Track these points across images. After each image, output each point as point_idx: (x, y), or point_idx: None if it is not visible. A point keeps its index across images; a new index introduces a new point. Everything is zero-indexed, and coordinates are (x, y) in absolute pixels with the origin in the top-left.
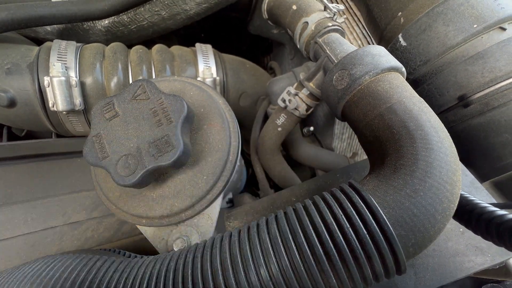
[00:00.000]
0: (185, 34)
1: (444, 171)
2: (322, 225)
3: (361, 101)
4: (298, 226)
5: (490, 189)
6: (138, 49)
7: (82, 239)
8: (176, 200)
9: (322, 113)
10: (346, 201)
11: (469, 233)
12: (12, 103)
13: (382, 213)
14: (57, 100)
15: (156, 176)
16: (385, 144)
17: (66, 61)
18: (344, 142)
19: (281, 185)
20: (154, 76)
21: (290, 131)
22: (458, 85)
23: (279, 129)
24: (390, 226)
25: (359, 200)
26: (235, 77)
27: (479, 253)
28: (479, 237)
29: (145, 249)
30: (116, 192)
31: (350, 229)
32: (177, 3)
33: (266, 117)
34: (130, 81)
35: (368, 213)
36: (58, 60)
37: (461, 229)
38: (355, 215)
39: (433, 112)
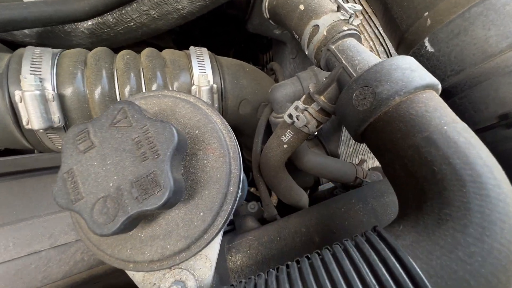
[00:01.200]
0: (179, 31)
1: (507, 227)
2: None
3: (389, 127)
4: None
5: None
6: (125, 54)
7: (71, 263)
8: (169, 242)
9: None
10: (378, 262)
11: None
12: None
13: (429, 285)
14: (32, 117)
15: (142, 219)
16: (423, 184)
17: (40, 71)
18: (351, 147)
19: (286, 202)
20: (143, 85)
21: (298, 146)
22: (500, 101)
23: (285, 146)
24: None
25: (396, 263)
26: (234, 83)
27: None
28: None
29: None
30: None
31: None
32: (168, 1)
33: (268, 126)
34: (117, 92)
35: (410, 285)
36: (31, 71)
37: None
38: (393, 286)
39: (483, 144)
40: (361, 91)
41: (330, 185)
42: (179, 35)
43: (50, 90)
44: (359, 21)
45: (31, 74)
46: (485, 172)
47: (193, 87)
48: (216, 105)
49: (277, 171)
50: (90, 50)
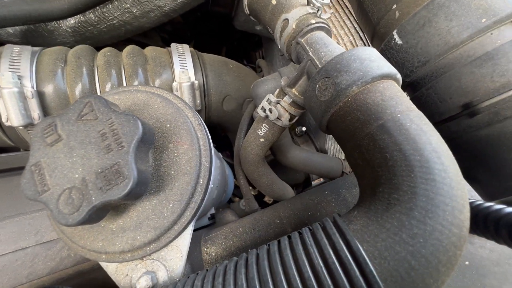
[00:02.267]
0: (171, 31)
1: (449, 210)
2: (298, 280)
3: (348, 116)
4: (270, 279)
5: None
6: (106, 52)
7: (57, 259)
8: (139, 233)
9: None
10: (328, 246)
11: (476, 267)
12: None
13: (371, 266)
14: (11, 114)
15: (109, 210)
16: (377, 171)
17: (19, 69)
18: None
19: (270, 196)
20: (124, 82)
21: (275, 140)
22: (463, 91)
23: (262, 140)
24: (381, 283)
25: (344, 246)
26: (217, 80)
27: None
28: (488, 272)
29: None
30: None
31: (331, 286)
32: (147, 3)
33: (252, 121)
34: (98, 88)
35: (355, 266)
36: (10, 68)
37: (466, 262)
38: (339, 268)
39: (435, 130)
40: (323, 82)
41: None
42: (170, 35)
43: (29, 87)
44: (328, 14)
45: (9, 71)
46: (432, 158)
47: (174, 84)
48: (199, 101)
49: (256, 166)
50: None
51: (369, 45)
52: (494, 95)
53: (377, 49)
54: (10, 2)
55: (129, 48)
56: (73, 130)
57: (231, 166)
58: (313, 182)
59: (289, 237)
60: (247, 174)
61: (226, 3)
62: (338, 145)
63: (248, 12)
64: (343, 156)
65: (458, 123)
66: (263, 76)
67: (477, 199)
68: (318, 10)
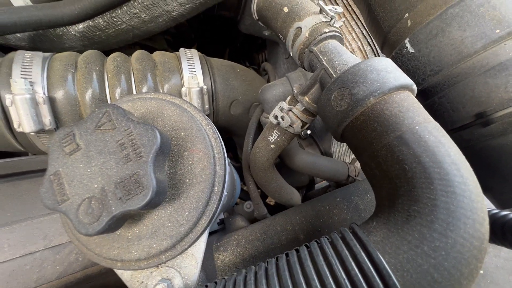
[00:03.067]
0: (175, 34)
1: (470, 222)
2: None
3: (365, 127)
4: None
5: None
6: (115, 57)
7: (65, 263)
8: (155, 241)
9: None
10: (350, 258)
11: (491, 276)
12: None
13: (394, 279)
14: (23, 120)
15: (127, 219)
16: (395, 182)
17: (31, 75)
18: (344, 146)
19: (277, 201)
20: (133, 87)
21: (285, 146)
22: (476, 101)
23: (272, 146)
24: None
25: (366, 258)
26: (225, 84)
27: None
28: (503, 281)
29: None
30: None
31: None
32: (158, 4)
33: (259, 126)
34: (107, 94)
35: (378, 279)
36: (22, 75)
37: (481, 271)
38: (362, 280)
39: (453, 142)
40: (339, 92)
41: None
42: (174, 37)
43: (40, 93)
44: (341, 23)
45: (21, 78)
46: (452, 170)
47: (183, 89)
48: (207, 106)
49: (266, 171)
50: (82, 53)
51: (377, 51)
52: (508, 105)
53: (388, 56)
54: (20, 8)
55: (137, 53)
56: (91, 139)
57: (235, 168)
58: (317, 185)
59: (307, 247)
60: (256, 179)
61: (232, 7)
62: (343, 149)
63: (257, 18)
64: (348, 159)
65: (471, 132)
66: (268, 79)
67: (491, 207)
68: (331, 19)
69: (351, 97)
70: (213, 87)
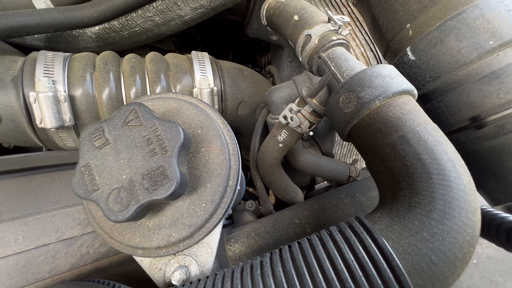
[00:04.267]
0: (181, 35)
1: (464, 212)
2: (332, 272)
3: (370, 127)
4: (306, 271)
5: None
6: (131, 58)
7: (77, 255)
8: (174, 230)
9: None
10: (357, 243)
11: (483, 265)
12: None
13: (397, 260)
14: (45, 117)
15: (151, 208)
16: (397, 177)
17: (53, 74)
18: (344, 148)
19: (282, 198)
20: (148, 87)
21: (293, 145)
22: (471, 105)
23: (280, 145)
24: (406, 275)
25: (372, 243)
26: (233, 86)
27: (494, 286)
28: (493, 270)
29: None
30: (110, 221)
31: (362, 278)
32: (171, 8)
33: (265, 126)
34: (123, 93)
35: (383, 260)
36: (44, 73)
37: (474, 261)
38: (368, 262)
39: (450, 142)
40: (346, 96)
41: (326, 184)
42: (180, 39)
43: (62, 91)
44: (347, 31)
45: (44, 76)
46: (448, 166)
47: (195, 90)
48: (216, 106)
49: (273, 169)
50: (97, 53)
51: (379, 57)
52: (500, 110)
53: (390, 62)
54: (43, 11)
55: (151, 55)
56: (119, 134)
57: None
58: (316, 186)
59: (317, 235)
60: (263, 176)
61: (240, 12)
62: (345, 150)
63: (266, 24)
64: (349, 160)
65: (466, 134)
66: (273, 82)
67: (484, 204)
68: (339, 27)
69: (358, 100)
70: (222, 89)
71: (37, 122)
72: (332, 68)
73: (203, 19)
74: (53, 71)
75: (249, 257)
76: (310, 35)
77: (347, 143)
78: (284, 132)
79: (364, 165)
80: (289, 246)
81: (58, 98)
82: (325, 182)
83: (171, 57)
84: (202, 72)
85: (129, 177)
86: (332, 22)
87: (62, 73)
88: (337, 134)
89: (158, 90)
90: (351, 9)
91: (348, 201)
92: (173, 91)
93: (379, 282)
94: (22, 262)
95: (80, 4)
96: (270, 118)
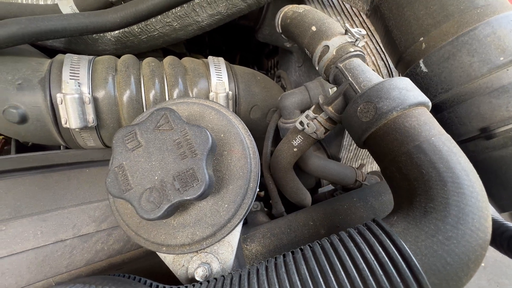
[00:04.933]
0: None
1: (476, 218)
2: (354, 270)
3: (387, 136)
4: (329, 269)
5: (509, 220)
6: (150, 62)
7: (93, 251)
8: (197, 229)
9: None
10: (377, 244)
11: (491, 268)
12: (23, 120)
13: (415, 261)
14: (70, 118)
15: (179, 208)
16: (413, 184)
17: (78, 77)
18: (351, 152)
19: (292, 200)
20: (166, 90)
21: (306, 150)
22: (481, 117)
23: (295, 149)
24: (424, 275)
25: (391, 245)
26: (247, 91)
27: None
28: (501, 273)
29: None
30: (136, 219)
31: (383, 276)
32: (190, 14)
33: (276, 130)
34: (143, 96)
35: (402, 261)
36: (71, 76)
37: (483, 264)
38: (388, 262)
39: (462, 152)
40: (364, 105)
41: (329, 188)
42: (190, 41)
43: (86, 93)
44: (363, 43)
45: (71, 79)
46: (462, 175)
47: (211, 94)
48: (231, 110)
49: (286, 172)
50: (114, 55)
51: (389, 66)
52: (509, 123)
53: (402, 72)
54: (70, 15)
55: (169, 59)
56: (151, 138)
57: None
58: (320, 189)
59: (338, 236)
60: (276, 179)
61: (252, 18)
62: (351, 155)
63: (281, 31)
64: (355, 165)
65: (475, 144)
66: (282, 86)
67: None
68: (356, 40)
69: (376, 110)
70: (236, 93)
71: (62, 122)
72: (349, 79)
73: (218, 25)
74: (78, 73)
75: (265, 257)
76: (328, 46)
77: (354, 148)
78: (300, 137)
79: (369, 170)
80: (310, 246)
81: (83, 100)
82: (330, 185)
83: (188, 62)
84: (218, 77)
85: (160, 178)
86: (349, 34)
87: (87, 75)
88: (344, 139)
89: (175, 93)
90: (362, 19)
91: (361, 205)
92: (190, 94)
93: (399, 280)
94: (40, 256)
95: (104, 10)
96: (282, 122)
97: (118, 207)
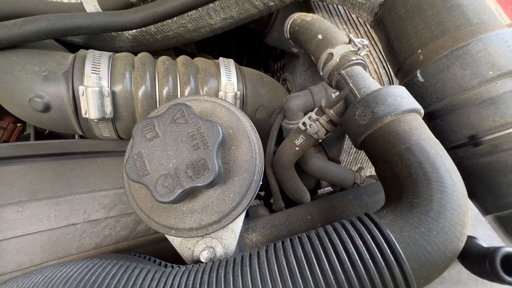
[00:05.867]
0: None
1: (455, 213)
2: (344, 254)
3: (381, 138)
4: (322, 252)
5: (492, 222)
6: (164, 60)
7: (101, 236)
8: (204, 215)
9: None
10: (366, 233)
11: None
12: (46, 109)
13: (399, 248)
14: (90, 109)
15: (189, 194)
16: (403, 182)
17: (99, 71)
18: (351, 156)
19: (291, 197)
20: (178, 87)
21: (308, 149)
22: (470, 125)
23: (297, 148)
24: (406, 260)
25: (379, 234)
26: (254, 91)
27: (479, 283)
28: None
29: (159, 248)
30: (149, 204)
31: (369, 260)
32: (204, 17)
33: (279, 130)
34: (157, 92)
35: (387, 247)
36: (92, 70)
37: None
38: (375, 248)
39: (448, 155)
40: (362, 110)
41: (329, 190)
42: (200, 41)
43: (106, 87)
44: (365, 52)
45: (93, 73)
46: (446, 175)
47: (220, 93)
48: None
49: (287, 170)
50: (131, 52)
51: (390, 75)
52: (495, 132)
53: (401, 81)
54: (94, 14)
55: (183, 58)
56: (168, 130)
57: None
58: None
59: (332, 225)
60: (278, 176)
61: (262, 22)
62: (351, 158)
63: (289, 37)
64: (354, 168)
65: (464, 150)
66: (287, 89)
67: (476, 211)
68: (359, 49)
69: (373, 115)
70: (244, 93)
71: (82, 113)
72: (350, 85)
73: (230, 28)
74: (99, 68)
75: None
76: (332, 53)
77: (354, 151)
78: (302, 137)
79: (368, 174)
80: (307, 234)
81: (102, 93)
82: (329, 187)
83: (200, 62)
84: (228, 77)
85: (175, 166)
86: (352, 43)
87: (107, 70)
88: (345, 143)
89: (187, 90)
90: (367, 28)
91: (356, 203)
92: (201, 92)
93: (383, 264)
94: (53, 238)
95: (125, 10)
96: (285, 123)
97: (132, 192)
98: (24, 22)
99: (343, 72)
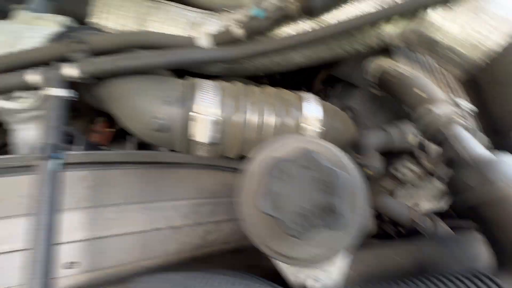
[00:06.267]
0: None
1: None
2: None
3: (500, 207)
4: None
5: None
6: (260, 91)
7: (180, 242)
8: (319, 250)
9: None
10: None
11: None
12: (160, 129)
13: None
14: (199, 133)
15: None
16: None
17: (209, 100)
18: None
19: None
20: (270, 119)
21: None
22: None
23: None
24: None
25: None
26: (331, 126)
27: None
28: None
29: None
30: (265, 230)
31: None
32: (288, 55)
33: None
34: (256, 122)
35: None
36: (203, 99)
37: None
38: None
39: None
40: (476, 174)
41: None
42: None
43: (216, 115)
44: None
45: (203, 101)
46: None
47: (302, 125)
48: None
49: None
50: (218, 76)
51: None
52: None
53: (494, 141)
54: (207, 50)
55: (272, 91)
56: (297, 172)
57: None
58: None
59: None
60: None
61: None
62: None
63: (374, 82)
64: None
65: None
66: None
67: None
68: (463, 112)
69: (491, 184)
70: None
71: (190, 136)
72: (455, 145)
73: (308, 65)
74: (209, 97)
75: (354, 279)
76: (431, 109)
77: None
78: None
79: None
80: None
81: (213, 120)
82: None
83: (286, 94)
84: (312, 112)
85: (306, 206)
86: (456, 106)
87: (216, 100)
88: None
89: (273, 121)
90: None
91: (447, 253)
92: (285, 123)
93: None
94: (141, 241)
95: (231, 46)
96: (355, 157)
97: (245, 217)
98: (154, 55)
99: (444, 130)
